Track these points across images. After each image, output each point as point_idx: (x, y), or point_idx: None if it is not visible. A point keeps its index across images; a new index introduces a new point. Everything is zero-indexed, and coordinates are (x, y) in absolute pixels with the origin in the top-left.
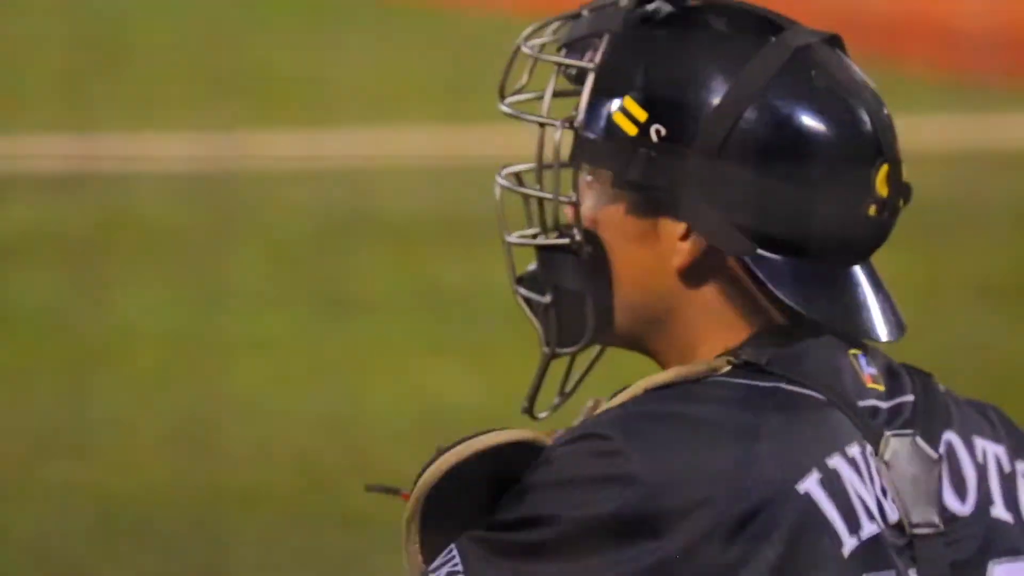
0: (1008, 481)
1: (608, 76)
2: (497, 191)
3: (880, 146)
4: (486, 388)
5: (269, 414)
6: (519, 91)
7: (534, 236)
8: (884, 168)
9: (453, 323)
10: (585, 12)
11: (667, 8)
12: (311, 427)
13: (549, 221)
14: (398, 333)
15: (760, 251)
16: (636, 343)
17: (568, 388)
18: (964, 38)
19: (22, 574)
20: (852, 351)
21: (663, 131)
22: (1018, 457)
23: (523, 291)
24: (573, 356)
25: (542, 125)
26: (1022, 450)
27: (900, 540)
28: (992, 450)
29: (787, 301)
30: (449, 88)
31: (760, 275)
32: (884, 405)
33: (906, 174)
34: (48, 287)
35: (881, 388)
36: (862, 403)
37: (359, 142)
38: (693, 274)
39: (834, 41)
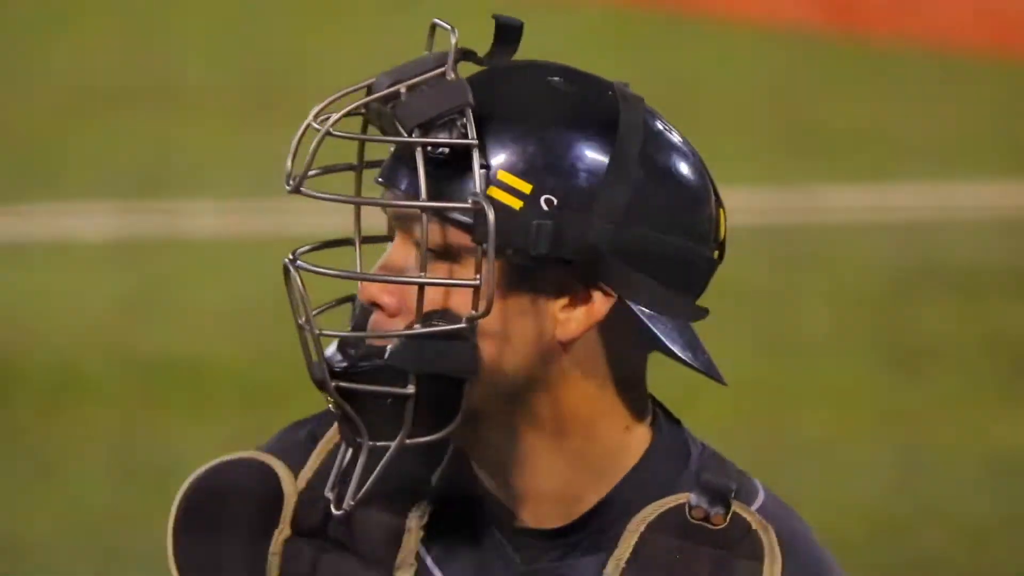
0: None
1: (466, 153)
2: (296, 275)
3: (714, 189)
4: None
5: (836, 464)
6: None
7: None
8: (721, 212)
9: (1019, 371)
10: (404, 90)
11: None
12: (879, 477)
13: (427, 307)
14: (964, 384)
15: (655, 311)
16: (480, 425)
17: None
18: None
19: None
20: None
21: (554, 200)
22: None
23: (347, 385)
24: (395, 450)
25: (423, 211)
26: None
27: None
28: None
29: (687, 360)
30: (1014, 141)
31: (659, 335)
32: None
33: None
34: None
35: None
36: None
37: (925, 194)
38: (579, 349)
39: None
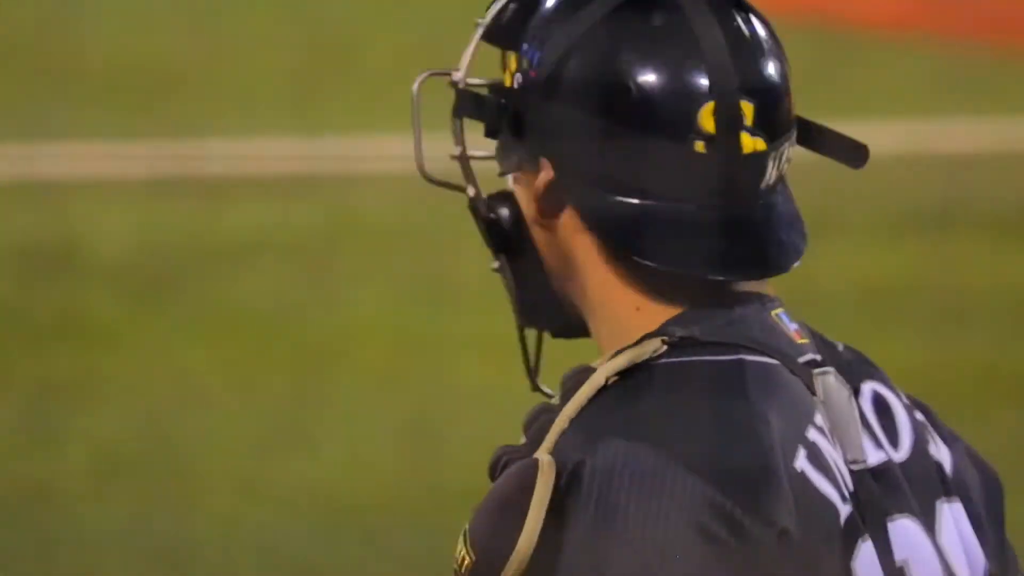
0: (936, 427)
1: (497, 33)
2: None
3: (714, 85)
4: None
5: (497, 411)
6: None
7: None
8: (709, 105)
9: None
10: None
11: None
12: None
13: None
14: None
15: (587, 191)
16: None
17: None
18: None
19: (248, 571)
20: (774, 311)
21: (520, 79)
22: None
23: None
24: (521, 332)
25: (455, 87)
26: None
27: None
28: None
29: (602, 238)
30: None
31: (582, 219)
32: (818, 357)
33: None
34: (278, 287)
35: (807, 342)
36: (803, 359)
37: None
38: (563, 224)
39: None
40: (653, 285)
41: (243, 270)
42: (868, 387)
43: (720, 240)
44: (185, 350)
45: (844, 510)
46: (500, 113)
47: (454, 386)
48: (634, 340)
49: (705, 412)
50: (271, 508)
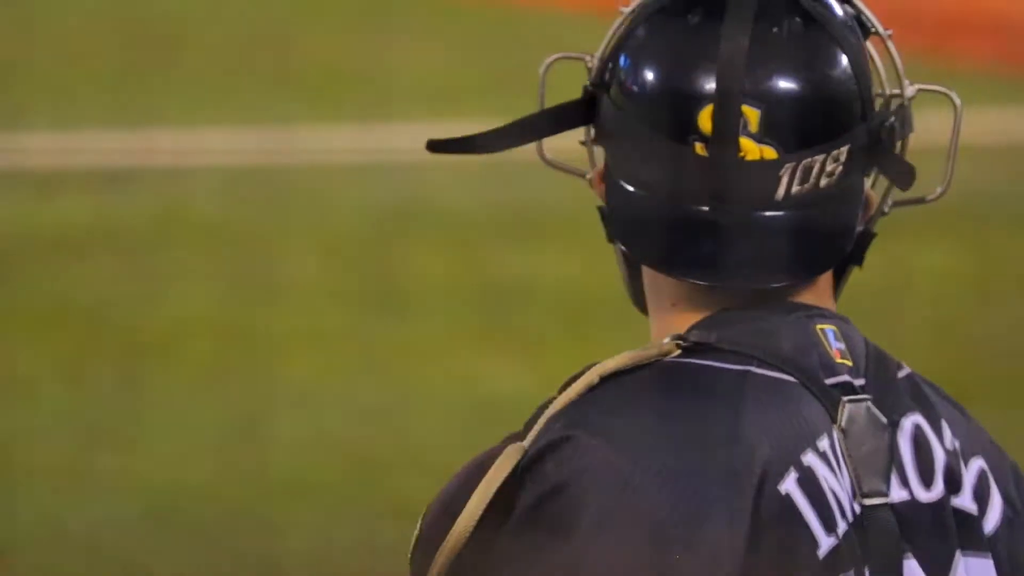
0: (978, 477)
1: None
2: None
3: (720, 86)
4: (537, 381)
5: (321, 406)
6: None
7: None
8: (709, 107)
9: (505, 317)
10: None
11: None
12: (362, 419)
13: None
14: (450, 327)
15: (622, 190)
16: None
17: None
18: (1018, 30)
19: (74, 566)
20: (820, 325)
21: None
22: (980, 455)
23: None
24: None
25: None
26: (988, 452)
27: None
28: (961, 442)
29: (610, 237)
30: (503, 84)
31: (603, 218)
32: (857, 381)
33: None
34: (102, 281)
35: (850, 363)
36: (833, 380)
37: (412, 136)
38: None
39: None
40: (681, 288)
41: (68, 263)
42: (910, 421)
43: (712, 244)
44: (9, 342)
45: (826, 542)
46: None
47: (280, 381)
48: (675, 330)
49: (681, 420)
50: (97, 502)
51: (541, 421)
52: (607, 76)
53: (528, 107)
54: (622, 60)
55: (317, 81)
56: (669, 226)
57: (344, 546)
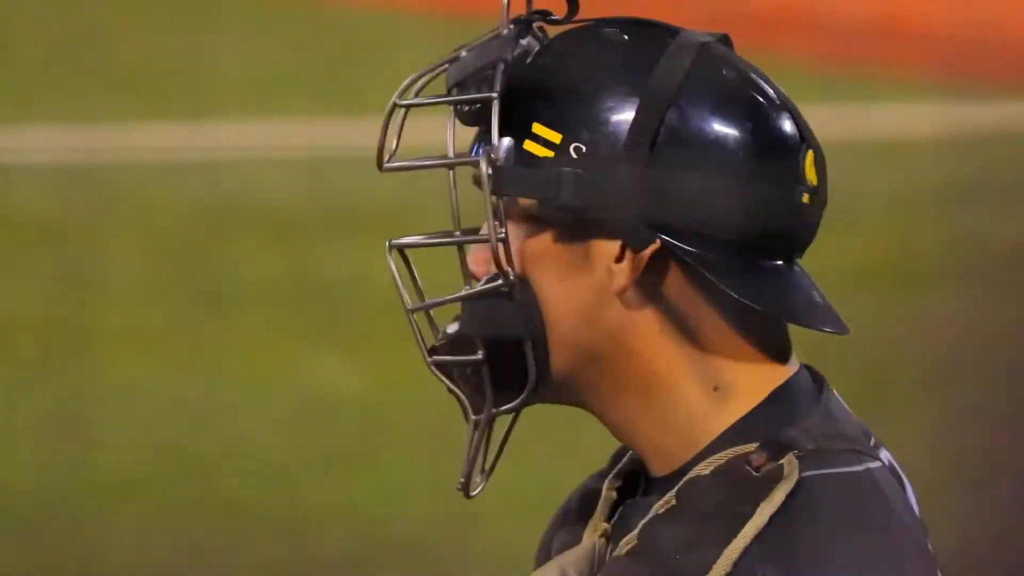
0: None
1: (508, 105)
2: (392, 263)
3: (801, 133)
4: (364, 379)
5: (145, 404)
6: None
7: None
8: (810, 154)
9: (331, 314)
10: (464, 52)
11: (558, 19)
12: (186, 417)
13: (491, 271)
14: (275, 324)
15: (705, 253)
16: (574, 390)
17: (491, 460)
18: (838, 28)
19: None
20: (830, 387)
21: (583, 148)
22: None
23: (439, 358)
24: (514, 416)
25: (451, 167)
26: None
27: None
28: None
29: (739, 296)
30: (326, 81)
31: (709, 275)
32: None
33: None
34: None
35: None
36: (871, 441)
37: (236, 134)
38: (635, 298)
39: (726, 40)
40: (731, 364)
41: None
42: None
43: (808, 294)
44: None
45: None
46: (565, 188)
47: (105, 379)
48: (705, 426)
49: (876, 538)
50: None
51: (736, 547)
52: (633, 149)
53: (349, 104)
54: (687, 124)
55: (142, 78)
56: (782, 274)
57: (170, 545)
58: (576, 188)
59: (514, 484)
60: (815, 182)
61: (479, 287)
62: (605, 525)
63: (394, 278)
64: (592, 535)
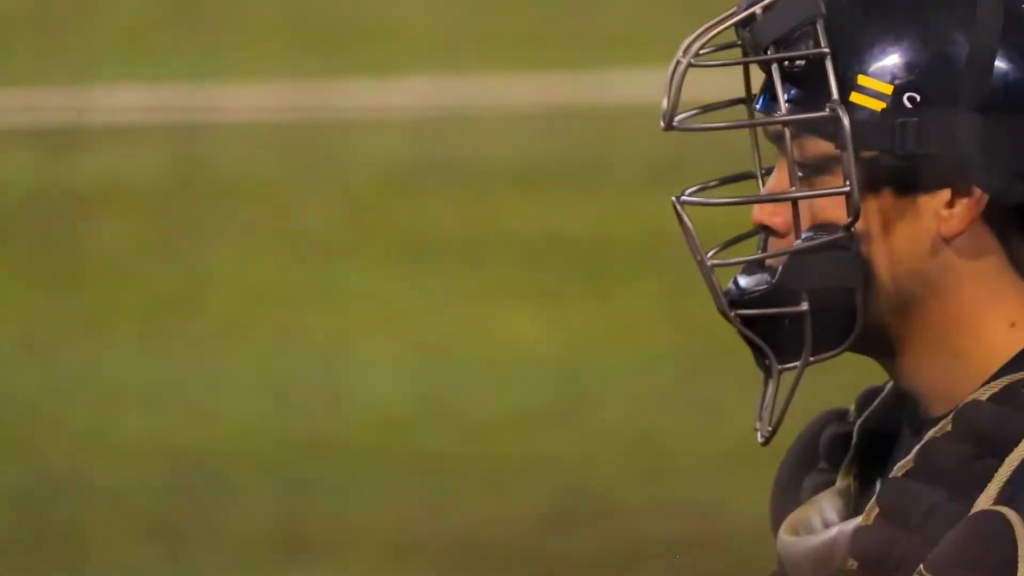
0: None
1: (832, 60)
2: (686, 218)
3: None
4: (556, 335)
5: (344, 363)
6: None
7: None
8: None
9: (526, 270)
10: (759, 10)
11: None
12: (385, 375)
13: (807, 222)
14: (471, 280)
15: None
16: (879, 335)
17: (782, 406)
18: None
19: (99, 525)
20: None
21: (916, 97)
22: None
23: (747, 311)
24: (801, 370)
25: (784, 125)
26: None
27: None
28: None
29: None
30: (521, 37)
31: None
32: None
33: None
34: (123, 238)
35: None
36: None
37: (429, 90)
38: (962, 244)
39: None
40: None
41: (87, 220)
42: None
43: None
44: (29, 299)
45: None
46: (910, 137)
47: (301, 338)
48: (1000, 362)
49: None
50: (119, 459)
51: (999, 477)
52: (978, 91)
53: (545, 59)
54: (1011, 52)
55: (335, 35)
56: None
57: (371, 503)
58: (920, 137)
59: (709, 436)
60: None
61: (819, 239)
62: (856, 468)
63: (690, 233)
64: (847, 476)
